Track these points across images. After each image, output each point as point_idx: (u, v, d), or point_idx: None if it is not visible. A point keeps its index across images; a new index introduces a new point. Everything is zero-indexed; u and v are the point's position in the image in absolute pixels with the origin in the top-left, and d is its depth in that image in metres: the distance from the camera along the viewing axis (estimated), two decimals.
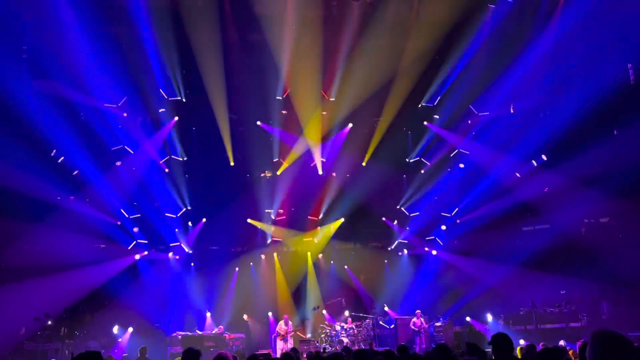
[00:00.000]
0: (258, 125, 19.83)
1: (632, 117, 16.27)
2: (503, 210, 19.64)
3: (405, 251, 21.78)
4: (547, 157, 18.89)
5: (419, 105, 19.83)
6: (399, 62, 18.49)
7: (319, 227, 21.61)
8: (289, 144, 20.30)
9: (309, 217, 21.50)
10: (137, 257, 19.34)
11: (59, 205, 17.40)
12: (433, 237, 21.35)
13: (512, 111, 19.51)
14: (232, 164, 20.01)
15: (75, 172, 17.91)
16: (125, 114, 18.33)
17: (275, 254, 21.42)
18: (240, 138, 20.10)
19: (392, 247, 21.91)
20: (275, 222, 21.29)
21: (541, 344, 12.31)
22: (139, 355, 12.27)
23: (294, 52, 17.72)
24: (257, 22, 17.19)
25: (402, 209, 21.47)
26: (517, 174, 19.55)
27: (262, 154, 20.51)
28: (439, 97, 19.55)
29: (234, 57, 18.02)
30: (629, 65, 16.48)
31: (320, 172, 20.41)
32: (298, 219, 21.52)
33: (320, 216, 21.50)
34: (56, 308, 16.29)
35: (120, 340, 17.15)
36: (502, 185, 19.41)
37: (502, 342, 5.08)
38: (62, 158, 17.54)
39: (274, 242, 21.59)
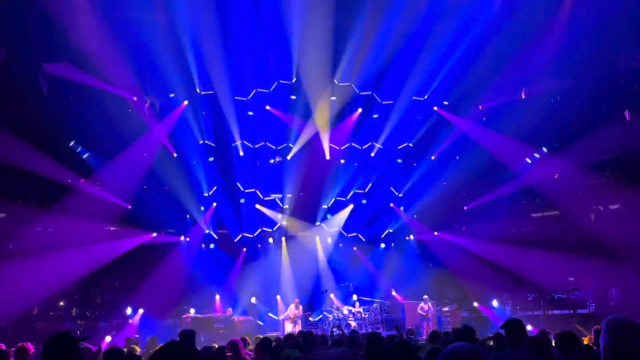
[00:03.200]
0: (267, 110, 19.79)
1: None
2: (512, 196, 19.60)
3: (412, 236, 21.81)
4: (557, 142, 18.73)
5: (429, 90, 19.68)
6: (410, 46, 18.33)
7: (328, 216, 21.61)
8: (298, 129, 20.24)
9: (318, 205, 21.47)
10: (147, 238, 19.51)
11: (70, 188, 17.52)
12: (440, 222, 21.38)
13: (523, 96, 19.33)
14: (241, 154, 20.01)
15: (86, 155, 17.99)
16: (135, 98, 18.34)
17: (283, 239, 21.52)
18: (250, 122, 20.10)
19: (399, 232, 21.93)
20: (282, 210, 21.32)
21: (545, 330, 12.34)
22: (147, 344, 12.26)
23: (305, 35, 17.59)
24: (268, 5, 17.10)
25: (410, 195, 21.44)
26: (527, 160, 19.44)
27: (271, 139, 20.51)
28: (450, 82, 19.37)
29: (244, 40, 17.95)
30: None
31: (327, 157, 20.35)
32: (307, 206, 21.53)
33: (330, 204, 21.50)
34: (68, 288, 16.55)
35: (131, 321, 17.37)
36: (511, 171, 19.32)
37: (515, 328, 5.10)
38: (73, 142, 17.61)
39: (282, 227, 21.65)
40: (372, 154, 20.80)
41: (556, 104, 18.81)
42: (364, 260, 21.34)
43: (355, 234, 21.91)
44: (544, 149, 19.14)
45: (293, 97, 19.93)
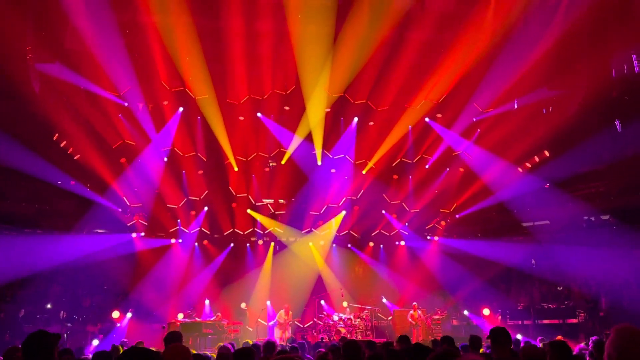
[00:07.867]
0: (259, 118, 19.75)
1: (637, 109, 16.17)
2: (503, 205, 19.63)
3: (403, 243, 21.75)
4: (548, 152, 18.81)
5: (422, 102, 19.57)
6: (403, 57, 18.34)
7: (320, 222, 21.54)
8: (290, 138, 20.11)
9: (310, 212, 21.40)
10: (134, 235, 19.45)
11: (60, 189, 17.48)
12: (432, 226, 21.37)
13: (515, 106, 19.42)
14: (236, 169, 19.94)
15: (77, 157, 17.94)
16: (126, 104, 18.31)
17: (272, 244, 21.42)
18: (243, 130, 20.05)
19: (390, 238, 21.89)
20: (274, 216, 21.23)
21: (539, 338, 12.30)
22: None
23: (301, 45, 17.56)
24: (264, 11, 17.14)
25: (403, 204, 21.41)
26: (519, 169, 19.50)
27: (264, 147, 20.47)
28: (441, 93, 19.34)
29: (238, 47, 17.95)
30: (634, 57, 16.27)
31: (319, 163, 20.31)
32: (299, 212, 21.43)
33: (321, 212, 21.43)
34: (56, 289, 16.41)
35: (119, 325, 17.23)
36: (502, 180, 19.32)
37: (501, 337, 5.11)
38: (65, 142, 17.58)
39: (273, 232, 21.51)
40: (364, 172, 20.69)
41: (547, 113, 18.92)
42: (361, 255, 21.31)
43: (346, 239, 21.85)
44: (536, 158, 19.21)
45: (287, 107, 19.86)
